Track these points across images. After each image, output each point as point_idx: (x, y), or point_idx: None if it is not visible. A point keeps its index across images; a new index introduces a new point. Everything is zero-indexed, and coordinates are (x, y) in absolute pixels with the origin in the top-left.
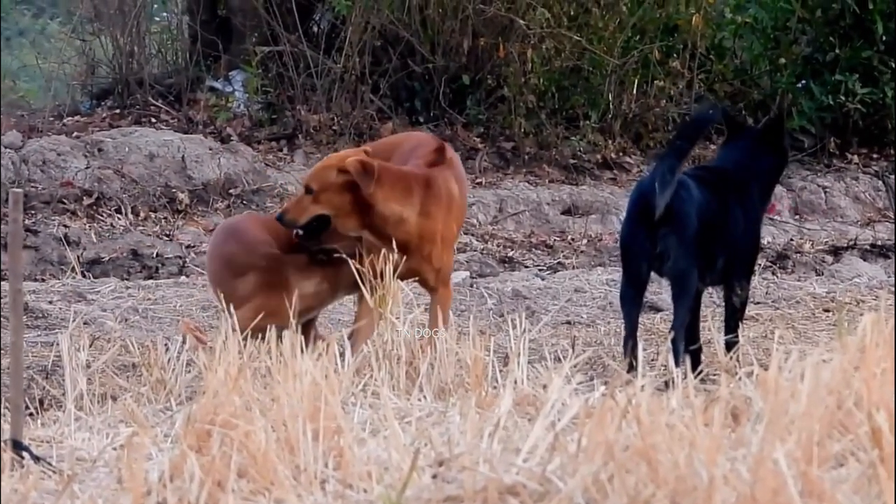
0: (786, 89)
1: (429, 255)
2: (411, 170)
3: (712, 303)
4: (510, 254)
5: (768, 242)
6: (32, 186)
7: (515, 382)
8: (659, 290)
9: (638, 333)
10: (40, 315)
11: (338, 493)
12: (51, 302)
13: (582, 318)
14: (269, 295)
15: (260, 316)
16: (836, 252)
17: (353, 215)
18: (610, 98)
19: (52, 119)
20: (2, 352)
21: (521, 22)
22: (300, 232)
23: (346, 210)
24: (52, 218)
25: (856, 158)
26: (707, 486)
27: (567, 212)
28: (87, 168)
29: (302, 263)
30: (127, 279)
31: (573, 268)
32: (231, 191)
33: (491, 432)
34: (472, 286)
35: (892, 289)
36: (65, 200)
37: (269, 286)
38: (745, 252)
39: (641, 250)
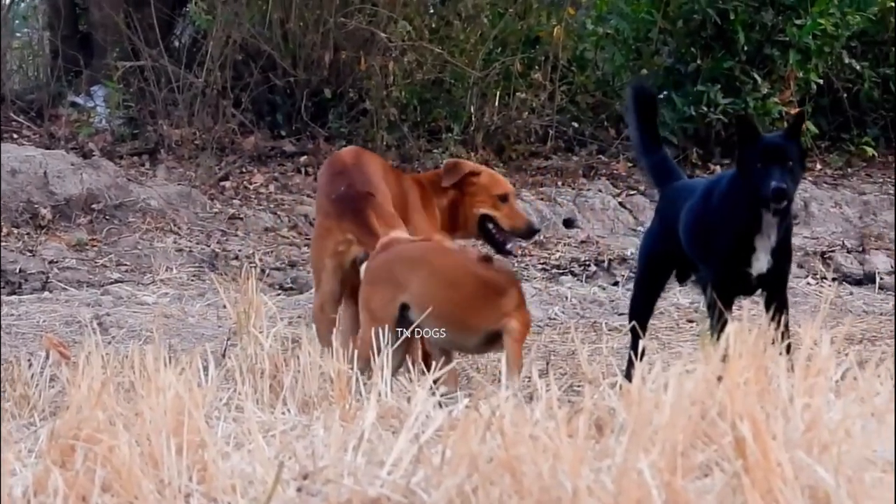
0: None
1: None
2: None
3: (576, 314)
4: None
5: (630, 253)
6: None
7: (379, 395)
8: None
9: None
10: None
11: None
12: None
13: None
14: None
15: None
16: None
17: None
18: (472, 110)
19: None
20: None
21: (383, 35)
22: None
23: None
24: None
25: (718, 169)
26: (571, 497)
27: None
28: None
29: None
30: None
31: None
32: (93, 206)
33: (355, 445)
34: None
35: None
36: None
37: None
38: None
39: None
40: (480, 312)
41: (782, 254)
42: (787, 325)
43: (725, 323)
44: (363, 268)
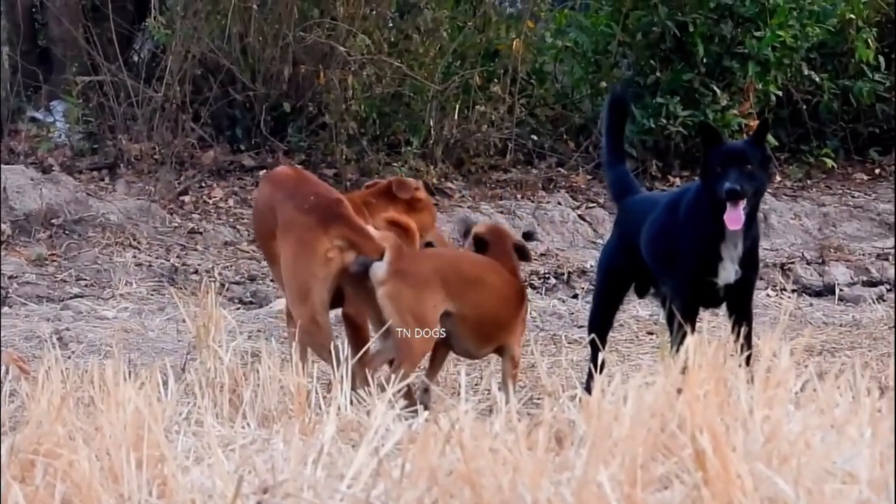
0: None
1: None
2: None
3: (535, 326)
4: None
5: (590, 266)
6: None
7: (339, 409)
8: None
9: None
10: None
11: None
12: None
13: None
14: None
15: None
16: None
17: None
18: (431, 124)
19: None
20: None
21: (342, 49)
22: None
23: None
24: None
25: (678, 181)
26: None
27: None
28: None
29: None
30: None
31: None
32: (53, 221)
33: (315, 459)
34: None
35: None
36: None
37: None
38: None
39: None
40: (512, 327)
41: (749, 264)
42: (748, 337)
43: (685, 335)
44: (380, 270)
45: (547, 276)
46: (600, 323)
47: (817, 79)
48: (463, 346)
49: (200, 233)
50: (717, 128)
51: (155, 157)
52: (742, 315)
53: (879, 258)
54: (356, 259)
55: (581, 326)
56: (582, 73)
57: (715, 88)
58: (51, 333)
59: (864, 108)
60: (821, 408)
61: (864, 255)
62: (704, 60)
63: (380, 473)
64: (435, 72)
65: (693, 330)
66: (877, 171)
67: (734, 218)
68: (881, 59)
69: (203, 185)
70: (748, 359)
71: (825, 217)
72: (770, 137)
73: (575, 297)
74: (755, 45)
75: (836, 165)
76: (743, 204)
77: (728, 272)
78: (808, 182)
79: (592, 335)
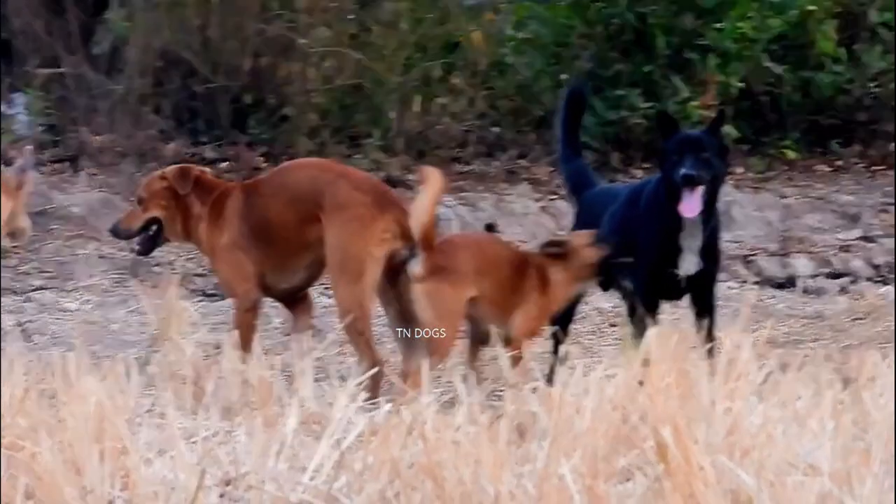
0: None
1: (214, 266)
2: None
3: None
4: None
5: None
6: None
7: (301, 401)
8: None
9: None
10: None
11: None
12: None
13: None
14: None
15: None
16: None
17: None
18: (392, 116)
19: None
20: None
21: (303, 41)
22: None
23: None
24: None
25: (640, 173)
26: (493, 501)
27: None
28: None
29: None
30: None
31: None
32: None
33: (277, 451)
34: None
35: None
36: None
37: None
38: None
39: None
40: (524, 296)
41: (710, 255)
42: (710, 330)
43: (647, 328)
44: (417, 266)
45: None
46: (562, 315)
47: (778, 71)
48: (488, 323)
49: None
50: (674, 117)
51: (116, 149)
52: (704, 307)
53: (842, 250)
54: (402, 246)
55: None
56: (542, 65)
57: (675, 80)
58: (14, 325)
59: (825, 99)
60: (783, 400)
61: (826, 246)
62: (665, 52)
63: (342, 466)
64: (396, 64)
65: (655, 322)
66: (838, 162)
67: (690, 206)
68: (842, 50)
69: None
70: (710, 351)
71: (787, 209)
72: (731, 129)
73: None
74: (716, 37)
75: (797, 157)
76: (700, 191)
77: (688, 263)
78: (770, 174)
79: (555, 327)
